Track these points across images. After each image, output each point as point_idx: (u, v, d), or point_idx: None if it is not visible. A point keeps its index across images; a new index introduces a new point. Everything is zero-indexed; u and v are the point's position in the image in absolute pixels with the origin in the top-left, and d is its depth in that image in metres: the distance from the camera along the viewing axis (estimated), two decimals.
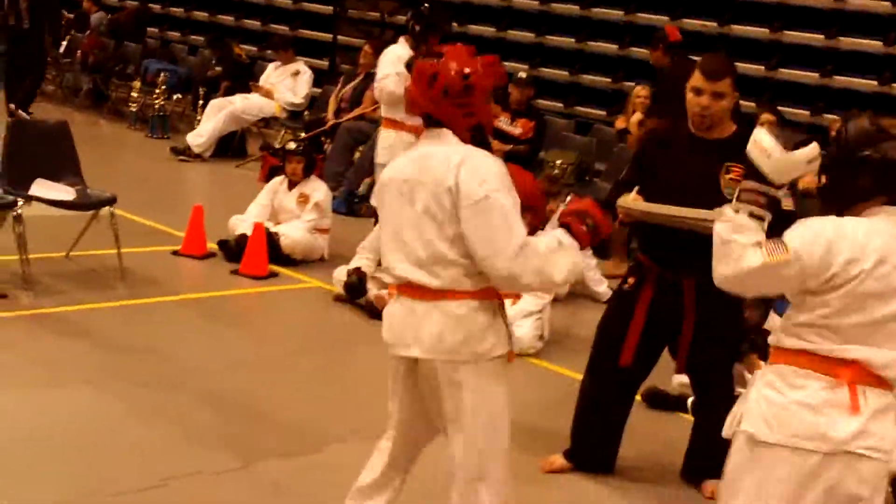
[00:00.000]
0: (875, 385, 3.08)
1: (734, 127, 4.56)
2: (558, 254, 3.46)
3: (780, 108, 9.59)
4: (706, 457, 4.76)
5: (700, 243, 4.33)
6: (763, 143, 3.25)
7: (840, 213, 3.16)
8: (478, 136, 3.58)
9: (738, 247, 3.11)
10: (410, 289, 3.50)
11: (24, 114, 11.75)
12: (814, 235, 3.07)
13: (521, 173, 4.15)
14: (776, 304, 4.37)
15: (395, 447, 3.70)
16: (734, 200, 3.24)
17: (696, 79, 4.45)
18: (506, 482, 3.58)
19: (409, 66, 7.66)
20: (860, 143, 3.14)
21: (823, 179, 3.23)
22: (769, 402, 3.11)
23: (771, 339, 3.25)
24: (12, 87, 12.71)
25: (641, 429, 5.18)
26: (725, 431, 3.26)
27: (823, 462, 3.04)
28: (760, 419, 3.11)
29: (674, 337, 4.64)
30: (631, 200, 4.51)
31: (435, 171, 3.43)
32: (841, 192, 3.18)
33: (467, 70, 3.52)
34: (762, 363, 5.47)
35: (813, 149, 3.24)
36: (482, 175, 3.39)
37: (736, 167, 4.38)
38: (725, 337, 4.66)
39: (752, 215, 3.17)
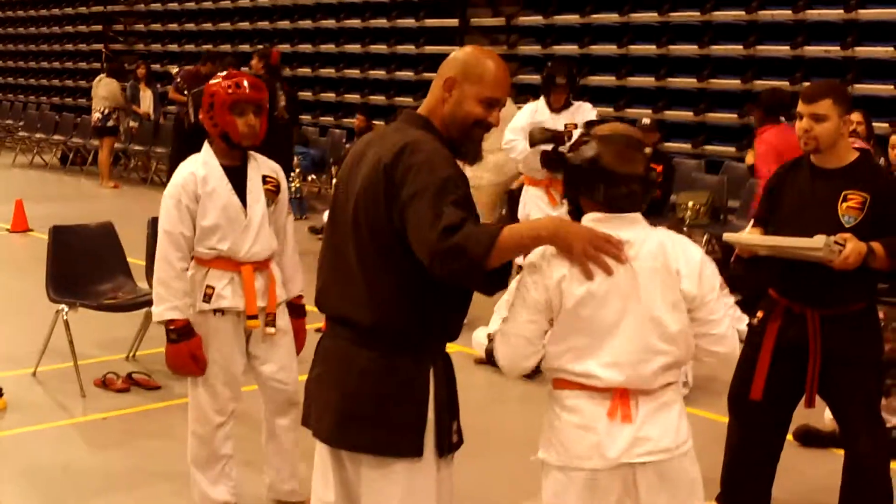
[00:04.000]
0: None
1: (855, 155, 4.50)
2: None
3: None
4: (860, 492, 4.64)
5: (823, 274, 4.29)
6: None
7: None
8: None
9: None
10: None
11: None
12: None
13: None
14: None
15: None
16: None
17: (798, 105, 4.45)
18: None
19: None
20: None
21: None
22: None
23: None
24: None
25: (795, 468, 5.07)
26: None
27: None
28: None
29: (806, 371, 4.55)
30: (745, 234, 4.52)
31: None
32: (571, 203, 3.31)
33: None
34: None
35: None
36: None
37: (853, 195, 4.33)
38: (861, 368, 4.51)
39: None
